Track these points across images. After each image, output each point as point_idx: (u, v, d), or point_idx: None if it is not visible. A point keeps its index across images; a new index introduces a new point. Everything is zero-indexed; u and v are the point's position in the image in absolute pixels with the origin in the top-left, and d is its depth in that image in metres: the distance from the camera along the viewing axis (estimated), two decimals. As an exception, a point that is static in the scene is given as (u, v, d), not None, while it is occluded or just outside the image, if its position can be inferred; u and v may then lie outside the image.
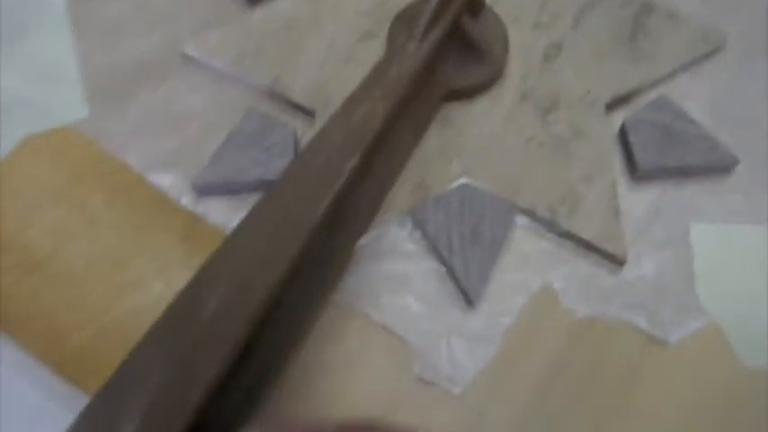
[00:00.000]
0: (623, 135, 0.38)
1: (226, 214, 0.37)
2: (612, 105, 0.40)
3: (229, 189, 0.38)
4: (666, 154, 0.37)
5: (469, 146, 0.38)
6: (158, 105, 0.42)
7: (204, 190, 0.38)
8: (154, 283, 0.36)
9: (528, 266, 0.36)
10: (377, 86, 0.33)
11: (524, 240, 0.36)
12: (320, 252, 0.32)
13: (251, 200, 0.33)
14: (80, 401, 0.24)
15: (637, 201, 0.37)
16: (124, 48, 0.44)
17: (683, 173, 0.38)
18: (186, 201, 0.38)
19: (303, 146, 0.33)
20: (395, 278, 0.35)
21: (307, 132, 0.39)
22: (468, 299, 0.34)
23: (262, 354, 0.28)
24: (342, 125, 0.32)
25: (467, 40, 0.38)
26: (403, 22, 0.39)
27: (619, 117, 0.39)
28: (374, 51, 0.39)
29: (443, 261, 0.35)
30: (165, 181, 0.39)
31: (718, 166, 0.38)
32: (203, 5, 0.45)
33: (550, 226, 0.36)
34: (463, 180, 0.37)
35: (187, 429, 0.22)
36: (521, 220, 0.37)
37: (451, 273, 0.35)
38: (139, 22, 0.44)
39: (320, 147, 0.31)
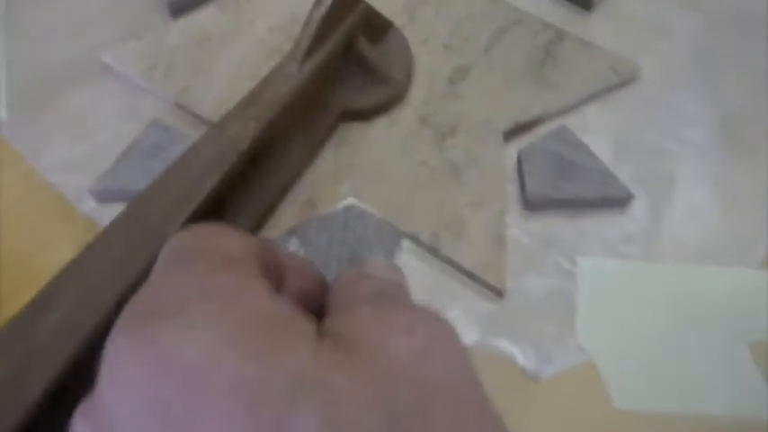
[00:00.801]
0: (519, 164, 0.38)
1: (121, 223, 0.38)
2: (512, 134, 0.39)
3: (125, 197, 0.38)
4: (558, 185, 0.37)
5: (362, 167, 0.38)
6: (74, 112, 0.42)
7: (102, 196, 0.38)
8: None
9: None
10: (252, 106, 0.33)
11: (406, 265, 0.36)
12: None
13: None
14: None
15: (526, 231, 0.37)
16: (51, 53, 0.44)
17: (575, 205, 0.37)
18: (87, 207, 0.39)
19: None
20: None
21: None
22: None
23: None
24: (213, 142, 0.32)
25: (363, 63, 0.38)
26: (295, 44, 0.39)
27: (517, 145, 0.39)
28: (279, 69, 0.38)
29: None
30: (69, 186, 0.39)
31: (612, 200, 0.37)
32: (131, 14, 0.45)
33: (434, 252, 0.36)
34: (351, 201, 0.37)
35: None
36: (406, 244, 0.37)
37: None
38: (68, 28, 0.45)
39: (189, 162, 0.31)
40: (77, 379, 0.27)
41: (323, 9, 0.35)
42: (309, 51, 0.34)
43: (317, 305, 0.21)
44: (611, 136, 0.40)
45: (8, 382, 0.24)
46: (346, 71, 0.38)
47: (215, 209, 0.32)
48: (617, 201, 0.37)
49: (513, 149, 0.39)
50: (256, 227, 0.36)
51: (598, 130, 0.40)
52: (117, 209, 0.37)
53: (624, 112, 0.41)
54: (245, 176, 0.34)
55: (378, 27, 0.38)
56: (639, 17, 0.45)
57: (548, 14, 0.43)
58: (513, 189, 0.38)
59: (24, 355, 0.25)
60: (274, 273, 0.20)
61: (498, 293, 0.35)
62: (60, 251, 0.37)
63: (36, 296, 0.27)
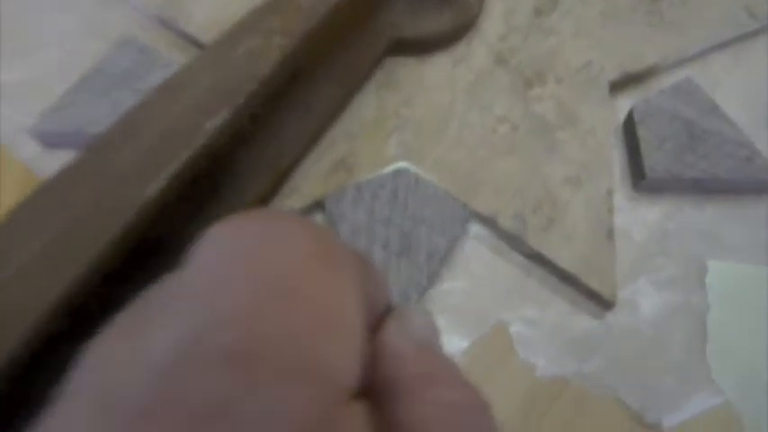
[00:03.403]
0: (629, 128, 0.29)
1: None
2: (620, 85, 0.31)
3: (81, 141, 0.29)
4: (685, 160, 0.28)
5: (416, 119, 0.29)
6: (8, 21, 0.32)
7: (48, 139, 0.29)
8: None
9: (477, 297, 0.27)
10: (277, 14, 0.23)
11: (476, 259, 0.27)
12: (163, 244, 0.22)
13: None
14: None
15: (639, 221, 0.28)
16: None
17: (705, 187, 0.28)
18: (26, 152, 0.29)
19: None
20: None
21: (196, 77, 0.29)
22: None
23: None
24: (215, 64, 0.22)
25: (428, -28, 0.28)
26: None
27: (626, 102, 0.30)
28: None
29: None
30: (3, 123, 0.30)
31: (752, 183, 0.28)
32: None
33: (515, 243, 0.27)
34: (401, 165, 0.28)
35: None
36: (475, 229, 0.28)
37: (368, 294, 0.25)
38: None
39: (177, 93, 0.21)
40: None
41: None
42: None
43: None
44: (742, 97, 0.31)
45: None
46: (402, -18, 0.28)
47: (213, 165, 0.22)
48: (757, 184, 0.28)
49: (617, 107, 0.30)
50: (269, 194, 0.26)
51: (726, 89, 0.31)
52: (67, 157, 0.28)
53: (758, 67, 0.32)
54: (256, 120, 0.24)
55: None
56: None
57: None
58: (617, 161, 0.29)
59: None
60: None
61: (606, 305, 0.27)
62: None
63: None
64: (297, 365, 0.12)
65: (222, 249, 0.13)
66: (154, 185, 0.20)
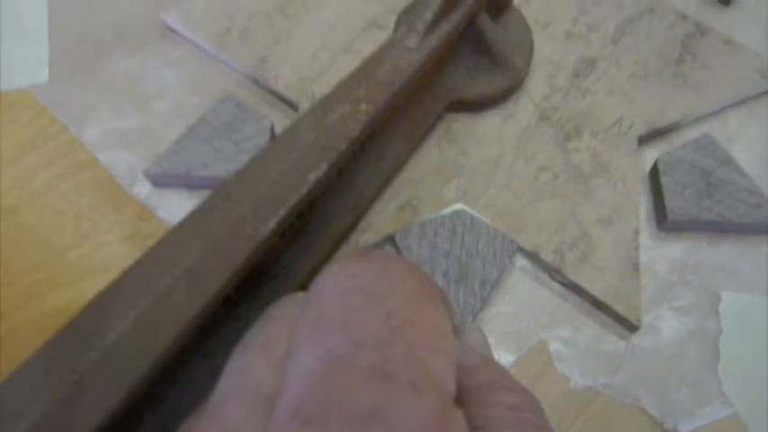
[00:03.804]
0: (654, 175, 0.33)
1: (181, 212, 0.32)
2: (647, 139, 0.34)
3: (187, 183, 0.32)
4: (702, 204, 0.31)
5: (471, 167, 0.32)
6: (126, 78, 0.36)
7: (159, 180, 0.33)
8: (83, 284, 0.31)
9: (522, 319, 0.30)
10: (362, 85, 0.27)
11: (521, 286, 0.31)
12: (272, 276, 0.27)
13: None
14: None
15: (661, 256, 0.32)
16: (102, 9, 0.38)
17: (719, 229, 0.32)
18: (139, 190, 0.33)
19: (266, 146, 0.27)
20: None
21: (286, 129, 0.33)
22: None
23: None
24: (313, 126, 0.26)
25: (482, 43, 0.32)
26: (415, 13, 0.33)
27: (652, 154, 0.34)
28: (378, 44, 0.32)
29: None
30: (119, 165, 0.34)
31: (761, 226, 0.31)
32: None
33: (554, 273, 0.30)
34: (458, 206, 0.31)
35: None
36: (520, 261, 0.31)
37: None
38: (123, -19, 0.39)
39: (284, 149, 0.25)
40: (141, 422, 0.23)
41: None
42: (432, 24, 0.28)
43: None
44: (756, 150, 0.34)
45: (50, 429, 0.19)
46: (460, 52, 0.32)
47: (307, 207, 0.26)
48: (766, 227, 0.31)
49: (644, 158, 0.34)
50: (349, 230, 0.30)
51: (741, 142, 0.34)
52: (175, 195, 0.33)
53: (771, 122, 0.35)
54: (341, 171, 0.28)
55: (498, 2, 0.32)
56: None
57: (680, 5, 0.37)
58: (644, 204, 0.32)
59: (68, 392, 0.19)
60: None
61: (631, 328, 0.30)
62: (106, 243, 0.32)
63: (81, 314, 0.21)
64: (421, 379, 0.13)
65: (349, 284, 0.15)
66: (267, 225, 0.24)
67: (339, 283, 0.15)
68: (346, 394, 0.13)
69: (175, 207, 0.33)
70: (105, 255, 0.32)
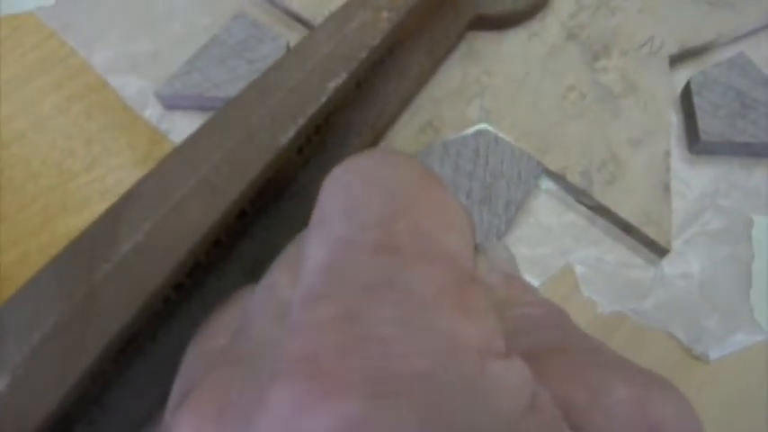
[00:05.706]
0: (686, 96, 0.31)
1: (193, 134, 0.31)
2: (679, 58, 0.32)
3: (200, 104, 0.31)
4: (736, 126, 0.30)
5: (495, 86, 0.31)
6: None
7: (171, 102, 0.32)
8: (96, 208, 0.30)
9: (547, 242, 0.29)
10: None
11: (547, 209, 0.30)
12: (289, 188, 0.26)
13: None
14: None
15: (692, 178, 0.30)
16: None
17: (753, 152, 0.30)
18: (150, 113, 0.32)
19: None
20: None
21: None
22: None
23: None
24: (332, 35, 0.25)
25: (507, -46, 0.30)
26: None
27: (684, 74, 0.32)
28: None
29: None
30: (130, 88, 0.33)
31: None
32: None
33: (581, 196, 0.29)
34: (482, 126, 0.30)
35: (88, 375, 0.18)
36: (546, 183, 0.30)
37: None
38: None
39: (301, 58, 0.24)
40: (153, 338, 0.23)
41: None
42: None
43: None
44: None
45: (62, 340, 0.18)
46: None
47: (324, 122, 0.25)
48: None
49: (676, 78, 0.32)
50: (366, 149, 0.29)
51: None
52: (188, 117, 0.32)
53: (809, 44, 0.33)
54: (360, 84, 0.27)
55: None
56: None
57: None
58: (674, 126, 0.31)
59: (81, 303, 0.19)
60: None
61: (661, 252, 0.29)
62: (117, 167, 0.31)
63: (94, 225, 0.21)
64: (428, 251, 0.13)
65: (351, 178, 0.15)
66: (286, 134, 0.23)
67: (338, 179, 0.15)
68: (354, 270, 0.13)
69: (187, 130, 0.30)
70: (117, 179, 0.31)
